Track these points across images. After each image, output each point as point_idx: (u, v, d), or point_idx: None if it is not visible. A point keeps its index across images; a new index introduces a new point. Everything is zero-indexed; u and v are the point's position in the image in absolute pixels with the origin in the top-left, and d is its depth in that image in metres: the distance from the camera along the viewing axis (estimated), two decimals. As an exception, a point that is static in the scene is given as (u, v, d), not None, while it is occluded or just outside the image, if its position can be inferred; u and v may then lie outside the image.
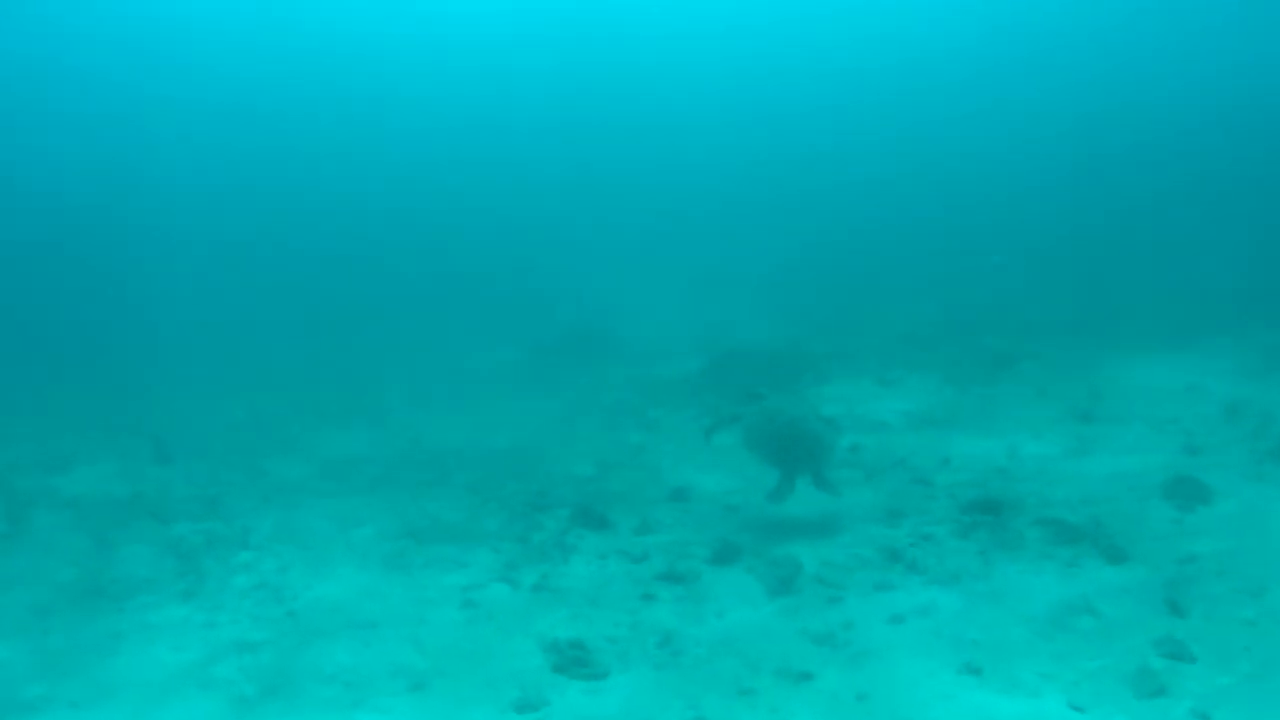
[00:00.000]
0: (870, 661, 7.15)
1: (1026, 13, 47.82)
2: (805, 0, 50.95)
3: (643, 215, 34.86)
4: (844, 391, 15.12)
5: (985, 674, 6.87)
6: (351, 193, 40.85)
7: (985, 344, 17.01)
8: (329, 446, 14.23)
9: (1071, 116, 42.50)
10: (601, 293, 24.58)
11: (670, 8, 51.99)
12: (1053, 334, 17.53)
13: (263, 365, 20.19)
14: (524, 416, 15.17)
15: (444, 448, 13.78)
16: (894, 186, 35.93)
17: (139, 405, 17.37)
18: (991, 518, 9.53)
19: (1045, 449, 11.75)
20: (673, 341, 19.79)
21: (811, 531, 9.69)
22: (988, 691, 6.71)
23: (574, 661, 7.29)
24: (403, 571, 9.42)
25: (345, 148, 46.58)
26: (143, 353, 21.35)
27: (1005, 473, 11.01)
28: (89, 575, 9.87)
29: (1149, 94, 43.54)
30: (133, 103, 46.95)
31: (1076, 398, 13.66)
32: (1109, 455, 11.33)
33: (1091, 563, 8.44)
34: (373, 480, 12.51)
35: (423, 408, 16.13)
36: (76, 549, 10.64)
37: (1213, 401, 12.95)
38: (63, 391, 18.99)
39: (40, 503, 12.36)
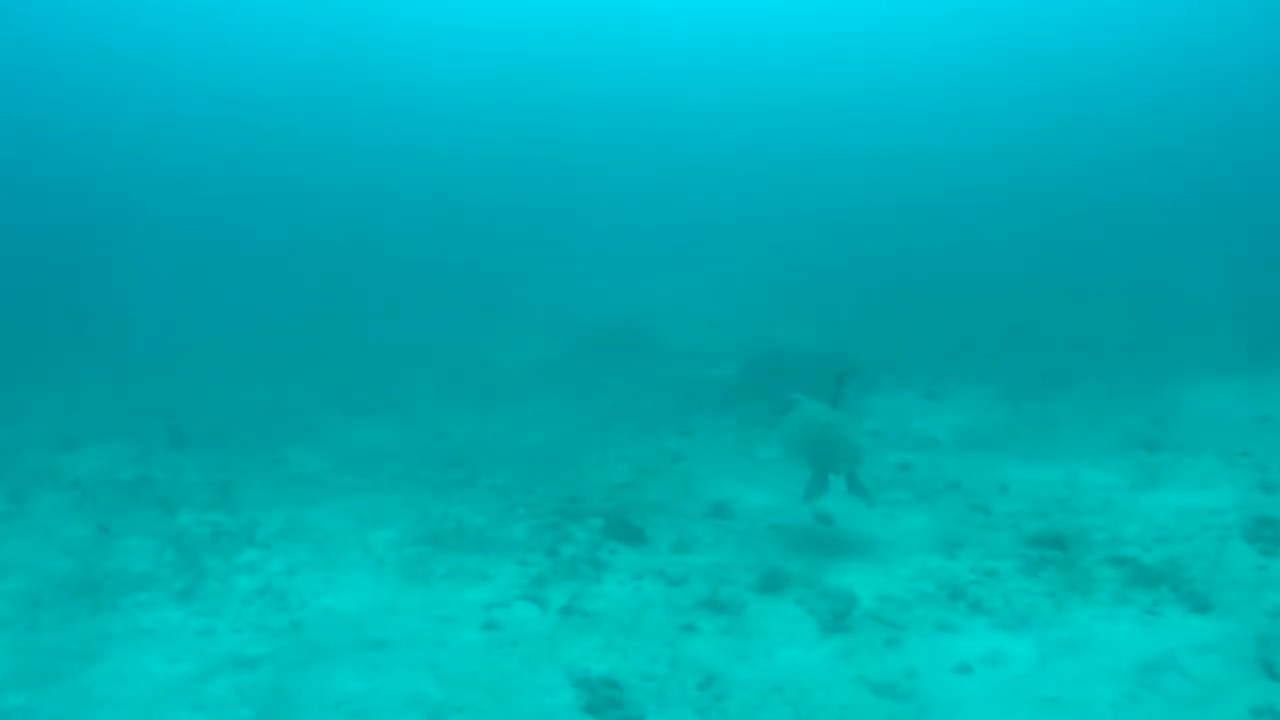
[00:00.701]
0: (938, 718, 6.32)
1: (1084, 26, 46.75)
2: (859, 6, 50.09)
3: (688, 215, 34.02)
4: (891, 404, 14.30)
5: (1067, 741, 6.06)
6: (387, 182, 40.16)
7: (1039, 361, 16.17)
8: (351, 438, 13.47)
9: (1133, 128, 41.48)
10: (642, 292, 23.79)
11: (721, 10, 51.18)
12: (1110, 353, 16.66)
13: (288, 353, 19.46)
14: (556, 416, 14.38)
15: (471, 445, 13.00)
16: (948, 196, 34.98)
17: (157, 387, 16.67)
18: (1059, 553, 8.73)
19: (1108, 478, 10.89)
20: (714, 344, 18.99)
21: (864, 559, 8.87)
22: (1073, 764, 5.91)
23: (608, 702, 6.48)
24: (421, 582, 8.62)
25: (382, 137, 45.92)
26: (164, 334, 20.68)
27: (1067, 503, 10.15)
28: (85, 566, 9.13)
29: (1222, 103, 42.40)
30: (159, 82, 46.39)
31: (1138, 423, 12.81)
32: (1178, 489, 10.46)
33: (1173, 611, 7.59)
34: (394, 476, 11.72)
35: (451, 403, 15.37)
36: (76, 536, 9.91)
37: (1286, 434, 12.10)
38: (81, 369, 18.30)
39: (45, 482, 11.67)
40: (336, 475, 11.81)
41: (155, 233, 31.46)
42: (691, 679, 6.83)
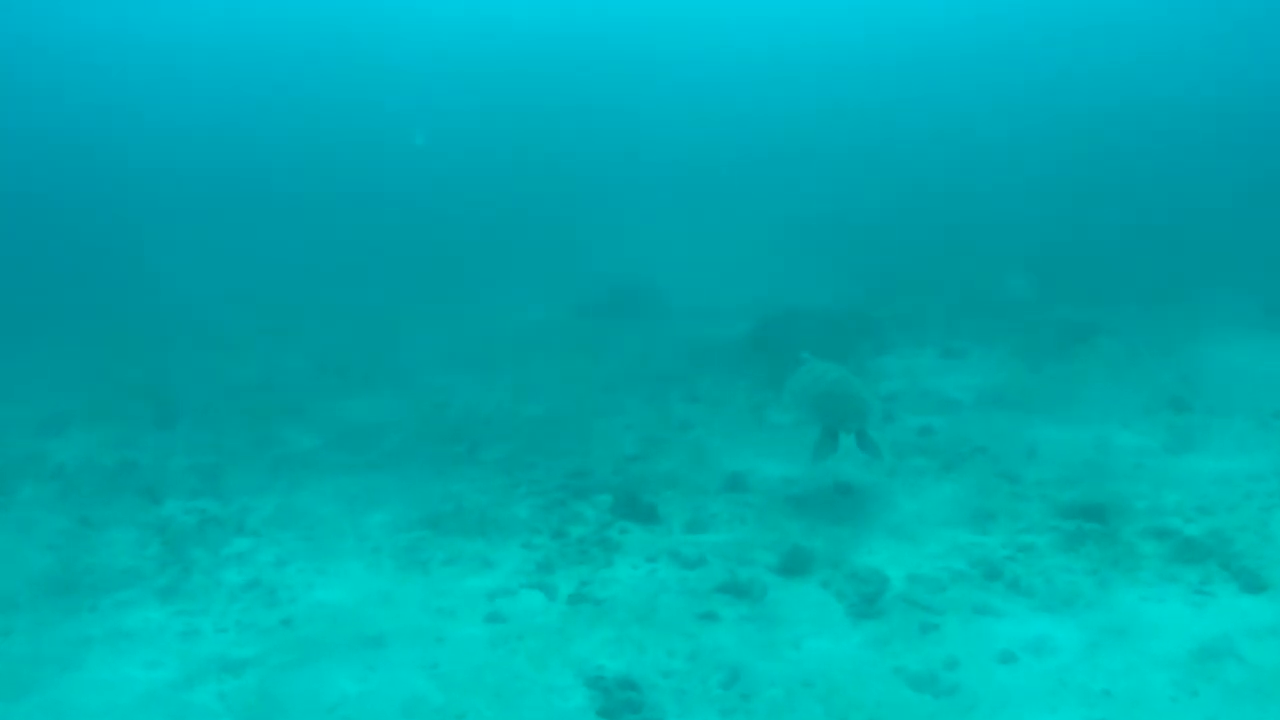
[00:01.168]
0: (984, 716, 5.78)
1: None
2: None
3: (693, 168, 33.09)
4: (906, 363, 13.72)
5: (1126, 740, 5.53)
6: (379, 135, 39.19)
7: (1057, 314, 15.52)
8: (346, 411, 12.88)
9: (1150, 75, 40.46)
10: (647, 249, 23.00)
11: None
12: (1128, 307, 16.00)
13: (281, 322, 18.78)
14: (560, 383, 13.73)
15: (472, 415, 12.41)
16: (958, 147, 34.06)
17: (146, 361, 16.06)
18: (1097, 525, 8.20)
19: (1139, 441, 10.36)
20: (722, 302, 18.27)
21: (891, 534, 8.33)
22: (1134, 767, 5.38)
23: (624, 705, 5.95)
24: (419, 570, 8.07)
25: (377, 90, 44.96)
26: (152, 305, 20.01)
27: (1099, 468, 9.62)
28: (64, 563, 8.59)
29: (1248, 53, 41.25)
30: (144, 48, 45.39)
31: (1164, 381, 12.26)
32: (1213, 453, 9.93)
33: (1224, 590, 7.07)
34: (391, 453, 11.14)
35: (451, 370, 14.73)
36: (55, 529, 9.36)
37: (1322, 393, 11.51)
38: (67, 345, 17.63)
39: (26, 471, 11.06)
40: (329, 453, 11.24)
41: (140, 197, 30.69)
42: (714, 675, 6.31)
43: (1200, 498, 8.70)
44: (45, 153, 36.54)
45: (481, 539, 8.58)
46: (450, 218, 28.72)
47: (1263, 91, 37.30)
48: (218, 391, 14.08)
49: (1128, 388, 12.13)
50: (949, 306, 16.59)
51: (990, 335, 14.67)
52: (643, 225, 25.77)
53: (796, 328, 14.45)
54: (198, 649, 6.96)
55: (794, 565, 7.69)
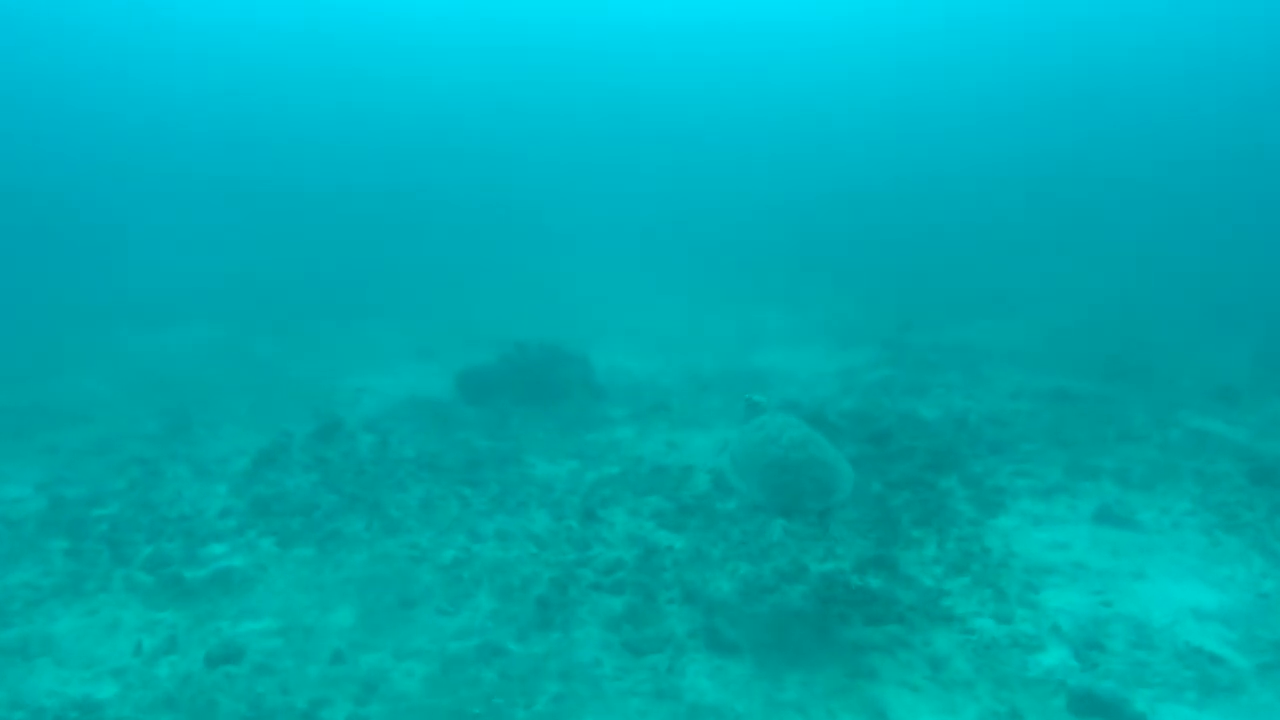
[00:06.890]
0: None
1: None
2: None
3: (628, 194, 27.39)
4: (1050, 539, 7.75)
5: None
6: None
7: (1187, 422, 9.97)
8: (102, 648, 6.41)
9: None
10: (563, 295, 16.93)
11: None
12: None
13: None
14: (452, 573, 7.14)
15: (293, 693, 5.83)
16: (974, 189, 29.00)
17: None
18: None
19: None
20: (675, 377, 12.31)
21: None
22: None
23: None
24: None
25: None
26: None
27: None
28: None
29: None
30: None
31: None
32: None
33: None
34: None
35: (258, 532, 8.17)
36: None
37: None
38: None
39: None
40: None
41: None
42: None
43: None
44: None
45: None
46: (317, 255, 22.40)
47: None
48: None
49: None
50: (1027, 400, 10.88)
51: (1133, 466, 8.92)
52: (561, 263, 19.79)
53: (836, 435, 8.48)
54: None
55: None
